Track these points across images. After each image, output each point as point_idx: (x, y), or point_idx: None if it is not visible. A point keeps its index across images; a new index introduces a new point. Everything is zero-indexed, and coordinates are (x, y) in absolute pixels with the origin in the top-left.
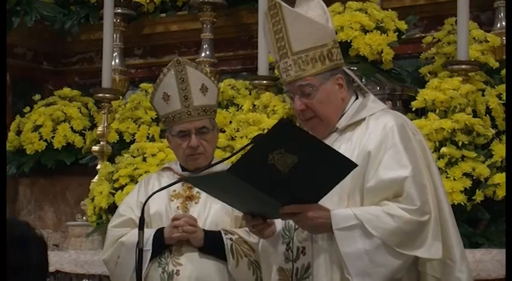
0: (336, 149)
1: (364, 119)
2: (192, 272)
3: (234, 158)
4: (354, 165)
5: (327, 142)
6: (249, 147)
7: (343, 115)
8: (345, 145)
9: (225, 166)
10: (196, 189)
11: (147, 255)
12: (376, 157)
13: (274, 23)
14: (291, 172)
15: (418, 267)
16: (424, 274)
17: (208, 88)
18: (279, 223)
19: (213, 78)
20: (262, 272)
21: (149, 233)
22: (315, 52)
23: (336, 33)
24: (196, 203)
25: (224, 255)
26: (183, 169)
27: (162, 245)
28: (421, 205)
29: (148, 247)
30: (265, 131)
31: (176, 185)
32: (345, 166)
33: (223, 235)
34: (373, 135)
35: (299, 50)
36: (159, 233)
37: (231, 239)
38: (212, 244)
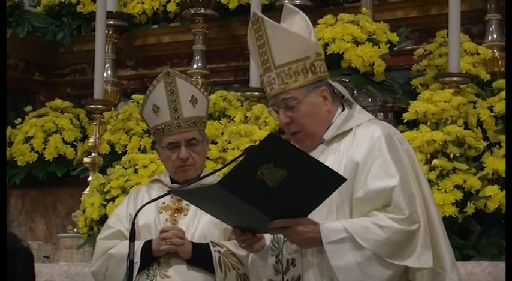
0: (323, 161)
1: (351, 129)
2: None
3: (225, 170)
4: (343, 179)
5: (314, 153)
6: (239, 159)
7: (329, 127)
8: (332, 156)
9: (215, 178)
10: (186, 201)
11: (135, 267)
12: (364, 167)
13: (257, 37)
14: (279, 186)
15: (408, 276)
16: None
17: (198, 100)
18: (268, 237)
19: (202, 90)
20: None
21: (137, 245)
22: (297, 65)
23: (327, 46)
24: (185, 215)
25: (212, 267)
26: (173, 180)
27: (150, 257)
28: (410, 214)
29: (136, 259)
30: (257, 142)
31: (165, 197)
32: (333, 180)
33: (211, 247)
34: (360, 145)
35: (281, 63)
36: (147, 245)
37: (219, 251)
38: (200, 257)
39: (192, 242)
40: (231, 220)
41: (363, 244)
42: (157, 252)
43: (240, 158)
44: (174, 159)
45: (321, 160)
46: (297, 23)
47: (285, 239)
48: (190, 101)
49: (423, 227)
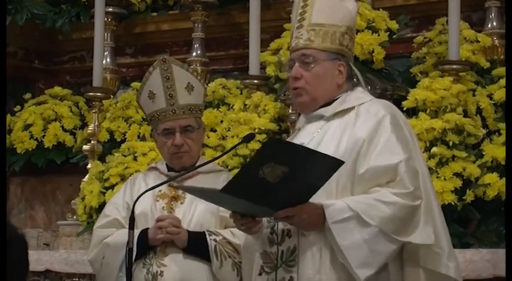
0: (322, 136)
1: (353, 107)
2: (176, 274)
3: (224, 158)
4: (341, 163)
5: (313, 128)
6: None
7: (332, 103)
8: (331, 132)
9: (213, 165)
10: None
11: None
12: (370, 144)
13: None
14: (280, 181)
15: (403, 254)
16: (408, 261)
17: (194, 87)
18: None
19: (199, 78)
20: (243, 267)
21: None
22: (329, 29)
23: None
24: (181, 203)
25: (208, 256)
26: (169, 168)
27: (147, 246)
28: (414, 190)
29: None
30: (256, 130)
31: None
32: (332, 164)
33: (207, 236)
34: (364, 123)
35: (316, 22)
36: (144, 234)
37: (215, 240)
38: (196, 245)
39: (188, 230)
40: (231, 207)
41: (369, 221)
42: (154, 241)
43: (239, 147)
44: (169, 145)
45: (319, 135)
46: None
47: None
48: (186, 88)
49: (424, 203)
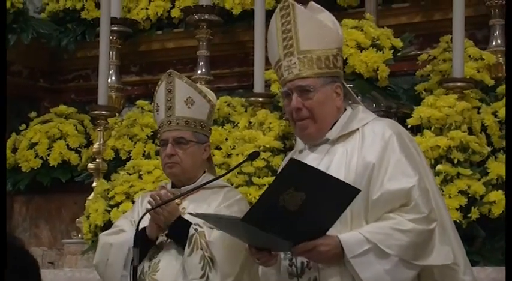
0: (329, 162)
1: (357, 129)
2: None
3: (229, 175)
4: (357, 191)
5: (318, 153)
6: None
7: (334, 126)
8: (338, 157)
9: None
10: (183, 205)
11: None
12: (380, 168)
13: (283, 22)
14: (300, 209)
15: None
16: (426, 278)
17: (195, 102)
18: None
19: (205, 94)
20: None
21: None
22: (321, 53)
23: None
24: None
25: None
26: (173, 185)
27: (147, 241)
28: (429, 213)
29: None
30: (261, 148)
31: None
32: (348, 192)
33: (192, 225)
34: (372, 145)
35: (307, 49)
36: (143, 233)
37: (196, 230)
38: (178, 229)
39: (181, 218)
40: (247, 240)
41: (388, 251)
42: (151, 232)
43: (244, 165)
44: (163, 156)
45: (326, 160)
46: (324, 18)
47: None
48: (185, 101)
49: (439, 222)
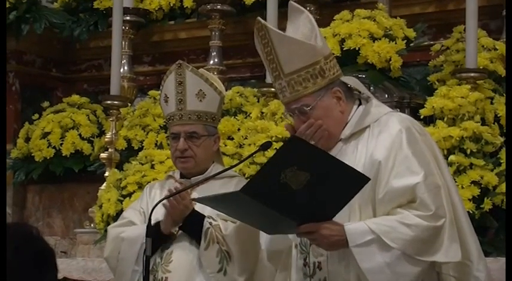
0: (342, 160)
1: (368, 126)
2: (180, 280)
3: (241, 166)
4: (367, 179)
5: (332, 152)
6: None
7: (346, 125)
8: (350, 155)
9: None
10: (192, 196)
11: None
12: (386, 166)
13: (264, 44)
14: (304, 190)
15: (435, 268)
16: (443, 274)
17: (206, 95)
18: (294, 238)
19: (216, 86)
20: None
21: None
22: (306, 72)
23: (344, 41)
24: None
25: (200, 238)
26: (182, 176)
27: (161, 235)
28: (436, 209)
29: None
30: (273, 138)
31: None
32: (357, 180)
33: (206, 218)
34: (380, 143)
35: (290, 71)
36: (157, 226)
37: (210, 223)
38: (192, 223)
39: (195, 211)
40: (254, 223)
41: (391, 244)
42: (166, 227)
43: (256, 155)
44: (174, 150)
45: (339, 157)
46: (303, 24)
47: (311, 243)
48: (196, 94)
49: (449, 220)
